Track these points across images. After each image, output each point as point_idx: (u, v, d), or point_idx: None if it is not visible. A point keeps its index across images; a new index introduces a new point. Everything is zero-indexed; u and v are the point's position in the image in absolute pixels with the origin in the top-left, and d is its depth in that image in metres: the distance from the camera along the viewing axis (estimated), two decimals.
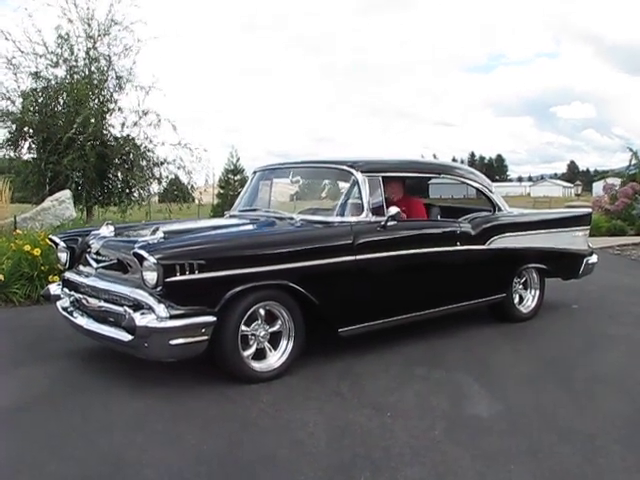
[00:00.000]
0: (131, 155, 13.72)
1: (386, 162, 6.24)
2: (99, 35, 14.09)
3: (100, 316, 4.83)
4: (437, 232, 6.05)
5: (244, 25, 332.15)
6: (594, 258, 7.52)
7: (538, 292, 6.97)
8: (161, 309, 4.27)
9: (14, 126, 13.49)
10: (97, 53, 14.13)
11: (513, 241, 6.53)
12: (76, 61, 13.94)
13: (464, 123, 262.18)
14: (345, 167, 5.64)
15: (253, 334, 4.67)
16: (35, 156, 13.89)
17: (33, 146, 13.82)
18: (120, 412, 4.12)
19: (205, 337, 4.36)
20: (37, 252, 7.51)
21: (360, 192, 5.44)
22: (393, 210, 5.35)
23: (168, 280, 4.27)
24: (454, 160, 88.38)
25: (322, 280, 5.03)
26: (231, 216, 6.29)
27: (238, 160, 42.86)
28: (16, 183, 13.02)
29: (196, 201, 15.29)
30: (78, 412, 4.12)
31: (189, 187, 14.65)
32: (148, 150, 14.03)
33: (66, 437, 3.75)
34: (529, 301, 6.94)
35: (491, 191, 6.74)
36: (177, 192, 14.79)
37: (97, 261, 5.12)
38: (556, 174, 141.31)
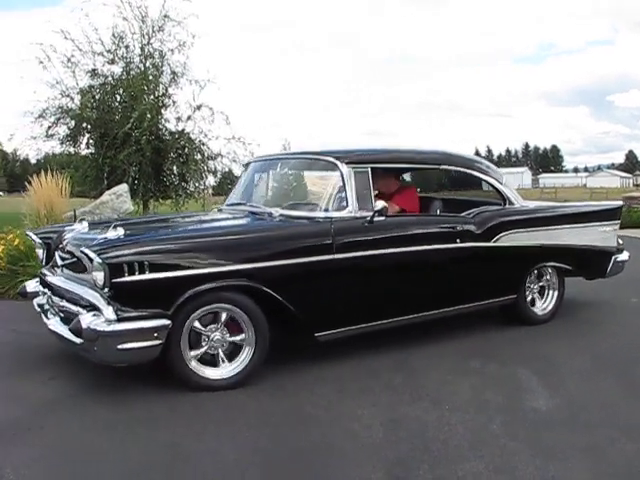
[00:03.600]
0: (186, 149, 13.88)
1: (375, 153, 5.98)
2: (153, 31, 14.26)
3: (64, 316, 4.68)
4: (432, 228, 5.59)
5: (286, 21, 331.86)
6: (624, 255, 6.85)
7: (556, 293, 6.35)
8: (109, 311, 4.04)
9: (73, 122, 13.78)
10: (152, 49, 14.30)
11: (525, 237, 5.97)
12: (132, 58, 14.15)
13: (518, 114, 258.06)
14: (330, 158, 5.29)
15: (207, 335, 4.39)
16: (93, 151, 14.17)
17: (91, 141, 14.10)
18: (179, 404, 4.20)
19: (158, 342, 4.09)
20: None
21: (345, 185, 5.07)
22: (379, 204, 4.97)
23: (116, 281, 4.05)
24: (507, 152, 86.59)
25: (293, 281, 4.66)
26: (219, 210, 6.13)
27: None
28: (75, 178, 13.28)
29: None
30: (141, 403, 4.22)
31: None
32: (202, 144, 14.19)
33: (130, 426, 3.85)
34: (545, 302, 6.35)
35: (501, 182, 6.22)
36: (231, 185, 14.88)
37: (62, 259, 5.00)
38: (613, 164, 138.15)
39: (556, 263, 6.29)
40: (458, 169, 6.20)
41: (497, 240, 5.75)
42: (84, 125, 13.76)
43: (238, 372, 4.44)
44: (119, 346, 4.04)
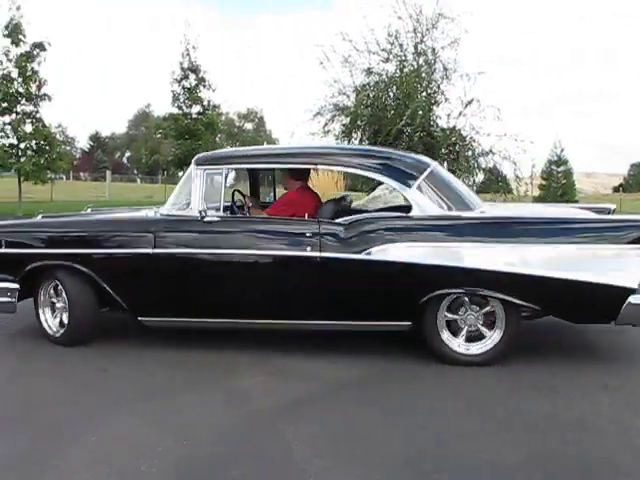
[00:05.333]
0: (457, 146, 13.91)
1: (233, 154, 6.06)
2: (427, 29, 14.45)
3: None
4: (268, 233, 5.18)
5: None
6: None
7: (496, 332, 4.88)
8: None
9: (347, 119, 14.44)
10: (425, 47, 14.52)
11: (417, 254, 4.79)
12: (405, 56, 14.48)
13: None
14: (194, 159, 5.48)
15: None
16: None
17: (364, 137, 14.66)
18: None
19: (11, 299, 5.51)
20: None
21: (191, 185, 5.30)
22: (200, 205, 5.15)
23: None
24: None
25: (112, 267, 5.36)
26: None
27: (562, 151, 40.85)
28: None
29: (515, 192, 14.97)
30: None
31: (515, 178, 14.37)
32: (473, 140, 14.10)
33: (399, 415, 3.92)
34: (478, 341, 4.95)
35: (407, 184, 5.05)
36: (501, 183, 14.62)
37: None
38: None
39: (483, 292, 4.82)
40: (337, 168, 5.76)
41: (370, 253, 4.82)
42: (358, 122, 14.35)
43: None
44: None
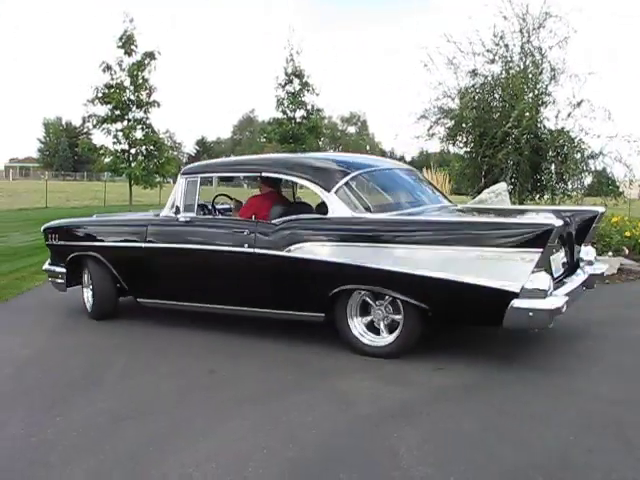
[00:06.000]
0: (565, 148, 13.49)
1: (204, 165, 7.31)
2: (533, 29, 14.11)
3: None
4: (220, 231, 6.23)
5: None
6: (538, 303, 4.62)
7: (398, 329, 5.30)
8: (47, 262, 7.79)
9: (452, 122, 14.29)
10: (531, 47, 14.17)
11: (325, 252, 5.43)
12: (511, 57, 14.19)
13: None
14: None
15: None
16: (469, 150, 14.54)
17: (469, 140, 14.46)
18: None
19: (62, 281, 7.37)
20: None
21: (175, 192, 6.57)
22: (178, 206, 6.41)
23: (47, 243, 7.67)
24: None
25: (120, 257, 6.80)
26: None
27: None
28: (453, 176, 13.77)
29: (626, 196, 14.34)
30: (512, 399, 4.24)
31: (627, 182, 13.79)
32: (582, 142, 13.64)
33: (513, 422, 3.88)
34: (382, 333, 5.40)
35: (327, 189, 5.66)
36: (611, 186, 14.08)
37: None
38: None
39: (381, 290, 5.30)
40: (279, 176, 6.35)
41: (290, 250, 5.54)
42: (463, 125, 14.18)
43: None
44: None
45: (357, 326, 5.45)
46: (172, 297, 6.55)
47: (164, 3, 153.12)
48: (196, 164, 7.34)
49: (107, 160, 25.87)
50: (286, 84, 30.42)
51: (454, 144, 14.64)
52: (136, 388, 4.77)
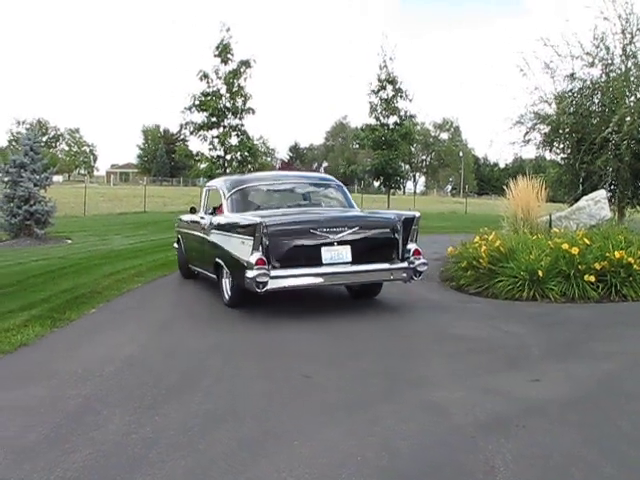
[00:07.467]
0: None
1: (217, 180, 10.02)
2: (637, 29, 13.62)
3: None
4: (197, 224, 9.31)
5: None
6: (249, 273, 6.89)
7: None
8: None
9: (549, 128, 13.97)
10: (634, 48, 13.68)
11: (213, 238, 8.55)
12: (612, 59, 13.75)
13: None
14: None
15: None
16: (566, 156, 14.17)
17: (566, 146, 14.10)
18: None
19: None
20: (575, 251, 7.64)
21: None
22: (201, 210, 9.64)
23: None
24: None
25: (189, 239, 9.92)
26: None
27: None
28: (549, 182, 13.44)
29: None
30: (626, 417, 4.11)
31: None
32: None
33: (620, 438, 3.79)
34: None
35: (224, 197, 8.59)
36: None
37: None
38: None
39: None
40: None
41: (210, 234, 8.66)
42: (560, 130, 13.83)
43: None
44: None
45: (225, 284, 7.98)
46: (198, 266, 9.60)
47: (260, 11, 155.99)
48: (215, 180, 10.41)
49: (203, 166, 26.53)
50: (379, 90, 30.40)
51: (550, 150, 14.35)
52: (231, 391, 4.84)
